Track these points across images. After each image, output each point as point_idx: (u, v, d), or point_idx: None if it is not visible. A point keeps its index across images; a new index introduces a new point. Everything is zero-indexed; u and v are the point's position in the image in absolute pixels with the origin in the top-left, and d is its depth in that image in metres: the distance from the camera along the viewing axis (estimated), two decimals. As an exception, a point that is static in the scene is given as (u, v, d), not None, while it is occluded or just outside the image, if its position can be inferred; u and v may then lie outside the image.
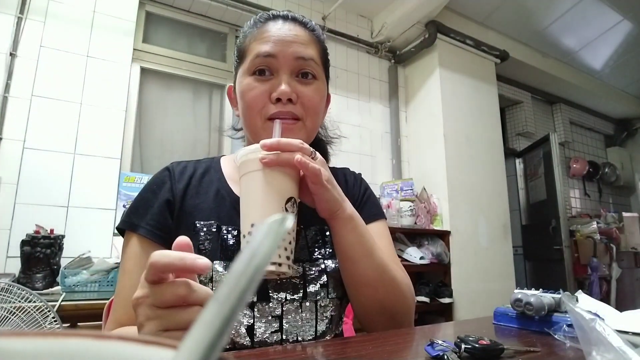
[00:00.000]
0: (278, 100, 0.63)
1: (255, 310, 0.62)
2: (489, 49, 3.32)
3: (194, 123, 2.59)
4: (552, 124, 4.55)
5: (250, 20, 0.72)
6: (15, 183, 1.83)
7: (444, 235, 2.77)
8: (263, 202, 0.51)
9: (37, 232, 1.69)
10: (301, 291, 0.66)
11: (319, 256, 0.69)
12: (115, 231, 1.99)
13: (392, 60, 3.26)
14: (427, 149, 3.04)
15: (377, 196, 2.77)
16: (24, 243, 1.65)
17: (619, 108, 4.90)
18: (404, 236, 2.68)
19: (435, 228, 2.80)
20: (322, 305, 0.67)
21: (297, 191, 0.54)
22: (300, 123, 0.65)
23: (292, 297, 0.64)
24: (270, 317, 0.63)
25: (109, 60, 2.15)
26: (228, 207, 0.68)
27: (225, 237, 0.65)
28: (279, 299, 0.64)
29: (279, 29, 0.67)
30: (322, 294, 0.67)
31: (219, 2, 2.52)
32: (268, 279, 0.63)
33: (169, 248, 0.39)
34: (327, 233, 0.71)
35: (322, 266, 0.68)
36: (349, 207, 0.61)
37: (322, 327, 0.66)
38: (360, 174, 0.86)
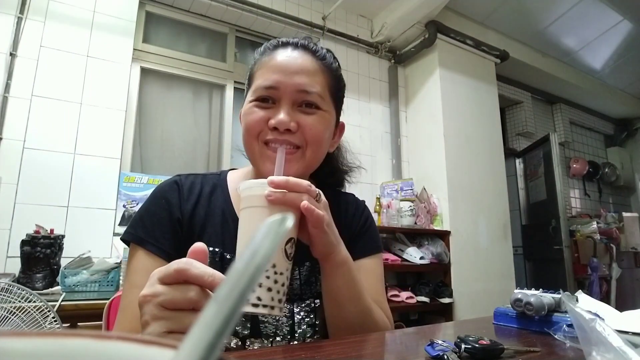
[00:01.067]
0: (275, 128, 0.63)
1: (247, 343, 0.64)
2: (489, 49, 3.32)
3: (194, 123, 2.59)
4: (552, 124, 4.55)
5: (261, 46, 0.72)
6: (15, 183, 1.83)
7: (444, 235, 2.77)
8: None
9: (37, 232, 1.69)
10: (289, 330, 0.66)
11: (310, 295, 0.69)
12: (116, 231, 1.99)
13: (392, 60, 3.26)
14: (427, 149, 3.04)
15: (377, 196, 2.78)
16: (24, 243, 1.65)
17: (619, 108, 4.90)
18: (404, 236, 2.68)
19: (435, 228, 2.80)
20: (310, 340, 0.68)
21: (296, 231, 0.53)
22: (300, 152, 0.65)
23: (280, 336, 0.65)
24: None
25: (109, 60, 2.15)
26: (232, 233, 0.66)
27: (227, 266, 0.65)
28: (269, 336, 0.65)
29: (286, 57, 0.66)
30: (310, 333, 0.67)
31: (219, 2, 2.52)
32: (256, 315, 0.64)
33: None
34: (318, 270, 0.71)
35: (312, 305, 0.68)
36: (343, 250, 0.60)
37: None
38: (363, 202, 0.84)
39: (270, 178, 0.51)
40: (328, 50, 0.72)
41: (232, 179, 0.75)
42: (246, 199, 0.52)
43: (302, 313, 0.67)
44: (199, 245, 0.40)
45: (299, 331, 0.66)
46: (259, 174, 0.71)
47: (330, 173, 0.82)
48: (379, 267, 0.76)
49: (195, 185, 0.70)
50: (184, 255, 0.40)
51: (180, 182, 0.70)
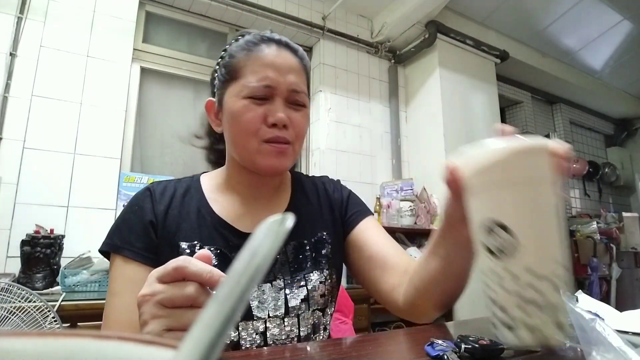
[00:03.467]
0: (273, 125, 0.65)
1: (240, 328, 0.64)
2: (489, 49, 3.32)
3: (194, 123, 2.59)
4: (552, 124, 4.55)
5: (238, 39, 0.73)
6: (15, 183, 1.83)
7: (444, 235, 2.76)
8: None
9: (37, 232, 1.69)
10: (282, 307, 0.67)
11: (299, 271, 0.70)
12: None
13: (392, 60, 3.26)
14: (427, 149, 3.04)
15: (377, 196, 2.78)
16: (24, 243, 1.65)
17: (619, 108, 4.90)
18: (404, 236, 2.68)
19: (436, 228, 2.79)
20: (305, 318, 0.69)
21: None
22: (291, 147, 0.68)
23: (274, 314, 0.66)
24: (254, 334, 0.64)
25: (109, 60, 2.15)
26: (209, 227, 0.69)
27: None
28: (262, 316, 0.65)
29: (275, 56, 0.68)
30: (304, 308, 0.68)
31: (219, 2, 2.52)
32: (252, 300, 0.65)
33: (156, 267, 0.40)
34: (307, 248, 0.73)
35: (302, 282, 0.70)
36: None
37: (304, 333, 0.68)
38: (339, 180, 0.88)
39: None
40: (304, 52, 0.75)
41: (205, 180, 0.77)
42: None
43: (293, 288, 0.69)
44: (205, 253, 0.40)
45: (292, 306, 0.67)
46: (240, 171, 0.73)
47: None
48: (379, 225, 0.81)
49: (167, 189, 0.72)
50: (163, 256, 0.40)
51: (152, 189, 0.72)
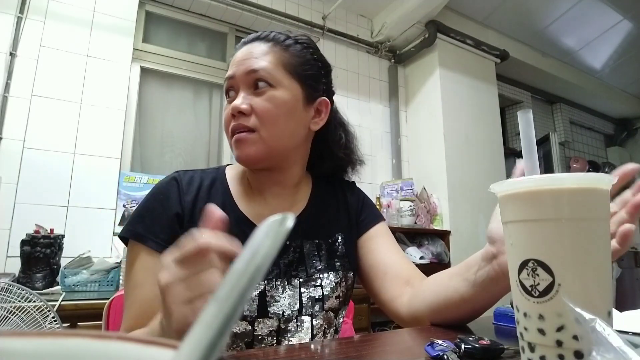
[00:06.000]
0: (233, 116, 0.65)
1: (255, 325, 0.64)
2: (489, 49, 3.32)
3: (194, 123, 2.59)
4: (552, 123, 4.55)
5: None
6: (15, 183, 1.83)
7: (444, 235, 2.77)
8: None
9: (37, 231, 1.69)
10: (297, 305, 0.67)
11: (314, 271, 0.70)
12: (116, 231, 1.99)
13: (392, 60, 3.26)
14: (427, 148, 3.04)
15: (377, 196, 2.78)
16: (23, 243, 1.65)
17: (619, 108, 4.90)
18: (404, 236, 2.68)
19: (435, 228, 2.80)
20: (318, 318, 0.69)
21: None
22: (256, 135, 0.64)
23: (289, 312, 0.66)
24: (268, 332, 0.65)
25: (109, 60, 2.15)
26: (232, 224, 0.67)
27: None
28: (277, 314, 0.65)
29: (239, 52, 0.69)
30: (317, 308, 0.69)
31: (219, 2, 2.52)
32: (267, 297, 0.65)
33: None
34: (323, 248, 0.72)
35: (318, 282, 0.70)
36: None
37: (316, 333, 0.68)
38: (354, 183, 0.87)
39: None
40: (289, 35, 0.72)
41: (230, 173, 0.75)
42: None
43: (309, 288, 0.69)
44: (213, 209, 0.39)
45: (305, 305, 0.67)
46: (250, 170, 0.72)
47: (320, 157, 0.80)
48: (390, 232, 0.80)
49: (194, 179, 0.71)
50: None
51: (179, 178, 0.70)
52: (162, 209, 0.65)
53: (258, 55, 0.67)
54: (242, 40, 0.73)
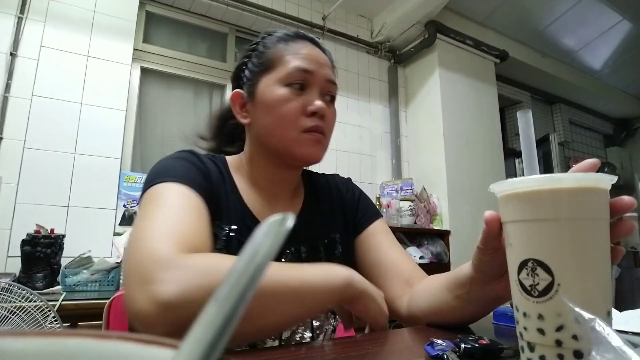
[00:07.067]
0: (312, 114, 0.66)
1: None
2: (489, 49, 3.33)
3: (194, 123, 2.59)
4: (551, 123, 4.55)
5: (272, 34, 0.74)
6: (15, 183, 1.83)
7: (443, 235, 2.77)
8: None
9: (37, 231, 1.69)
10: None
11: None
12: (116, 231, 1.99)
13: (392, 60, 3.26)
14: (427, 149, 3.04)
15: (377, 196, 2.78)
16: (24, 243, 1.65)
17: (618, 108, 4.90)
18: (404, 236, 2.68)
19: (435, 228, 2.80)
20: (316, 319, 0.69)
21: None
22: (325, 139, 0.69)
23: None
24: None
25: (109, 60, 2.15)
26: (238, 216, 0.67)
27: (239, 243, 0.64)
28: None
29: (311, 49, 0.71)
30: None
31: (219, 2, 2.52)
32: None
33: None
34: (321, 249, 0.72)
35: None
36: None
37: (314, 334, 0.68)
38: (350, 179, 0.88)
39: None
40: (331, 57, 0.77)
41: (232, 164, 0.73)
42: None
43: None
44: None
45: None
46: (266, 166, 0.71)
47: None
48: (388, 229, 0.80)
49: (207, 164, 0.69)
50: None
51: (198, 154, 0.69)
52: (193, 166, 0.64)
53: (330, 68, 0.72)
54: (301, 33, 0.73)
